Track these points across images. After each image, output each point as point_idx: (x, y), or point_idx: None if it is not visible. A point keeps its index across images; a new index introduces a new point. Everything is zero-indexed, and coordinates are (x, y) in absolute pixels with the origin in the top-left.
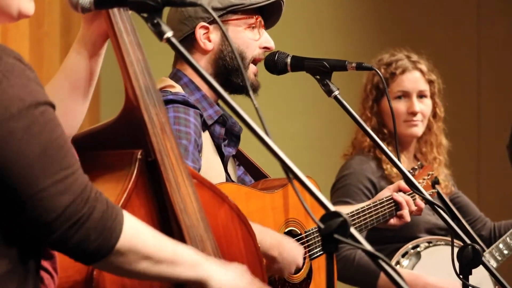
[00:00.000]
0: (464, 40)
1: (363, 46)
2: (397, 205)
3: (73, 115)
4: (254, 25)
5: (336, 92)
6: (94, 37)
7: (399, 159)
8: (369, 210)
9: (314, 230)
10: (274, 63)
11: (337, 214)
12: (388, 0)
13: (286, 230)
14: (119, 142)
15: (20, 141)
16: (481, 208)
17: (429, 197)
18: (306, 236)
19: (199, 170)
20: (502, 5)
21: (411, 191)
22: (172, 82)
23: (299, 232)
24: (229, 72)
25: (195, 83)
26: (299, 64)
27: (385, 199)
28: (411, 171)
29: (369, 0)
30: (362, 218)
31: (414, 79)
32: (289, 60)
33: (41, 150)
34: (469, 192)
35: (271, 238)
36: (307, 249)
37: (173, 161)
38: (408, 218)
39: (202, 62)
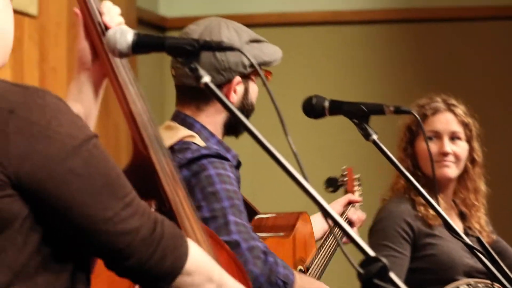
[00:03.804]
0: (504, 87)
1: (400, 91)
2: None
3: None
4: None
5: (374, 136)
6: (92, 81)
7: (437, 201)
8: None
9: (314, 266)
10: (312, 107)
11: (376, 259)
12: (425, 45)
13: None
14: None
15: (82, 176)
16: None
17: (469, 242)
18: (308, 272)
19: (251, 228)
20: None
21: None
22: (188, 131)
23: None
24: (238, 122)
25: (208, 129)
26: (337, 108)
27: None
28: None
29: (407, 44)
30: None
31: (446, 121)
32: (327, 104)
33: (104, 180)
34: (509, 239)
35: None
36: None
37: (186, 210)
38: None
39: (224, 113)
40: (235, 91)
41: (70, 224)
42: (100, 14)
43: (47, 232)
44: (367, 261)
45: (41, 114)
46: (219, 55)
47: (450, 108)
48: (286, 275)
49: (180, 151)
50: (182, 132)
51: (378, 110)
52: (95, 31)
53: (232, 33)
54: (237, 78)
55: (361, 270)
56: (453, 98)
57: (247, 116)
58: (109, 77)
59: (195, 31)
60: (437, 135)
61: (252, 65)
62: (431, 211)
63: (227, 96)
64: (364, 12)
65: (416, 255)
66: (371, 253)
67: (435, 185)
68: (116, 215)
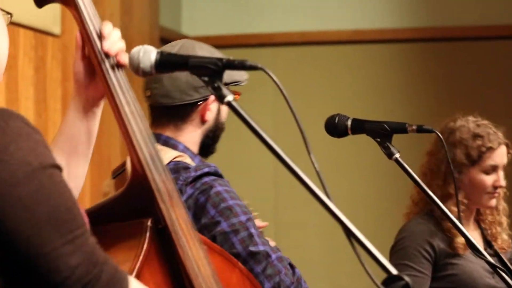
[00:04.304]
0: None
1: (422, 110)
2: None
3: (74, 179)
4: None
5: (397, 155)
6: (91, 101)
7: (460, 222)
8: None
9: None
10: (335, 126)
11: (399, 278)
12: (448, 63)
13: None
14: (129, 213)
15: (27, 207)
16: None
17: (492, 261)
18: None
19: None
20: None
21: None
22: (176, 152)
23: None
24: (213, 140)
25: (190, 149)
26: (360, 126)
27: None
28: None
29: (430, 63)
30: None
31: (502, 154)
32: (349, 123)
33: (50, 214)
34: None
35: None
36: None
37: (183, 227)
38: None
39: (200, 130)
40: (209, 109)
41: (7, 252)
42: (100, 36)
43: None
44: (390, 279)
45: (0, 136)
46: None
47: (504, 140)
48: None
49: (177, 171)
50: (171, 153)
51: (401, 129)
52: (94, 53)
53: (206, 54)
54: (212, 97)
55: None
56: (487, 120)
57: (219, 135)
58: (107, 97)
59: (170, 51)
60: (495, 168)
61: (226, 84)
62: (459, 240)
63: (204, 114)
64: (386, 31)
65: (437, 275)
66: (394, 271)
67: (458, 208)
68: (54, 251)
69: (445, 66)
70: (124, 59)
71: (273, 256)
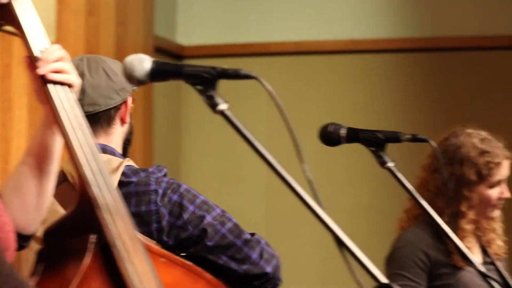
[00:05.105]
0: None
1: (418, 120)
2: None
3: (44, 196)
4: None
5: (390, 164)
6: (51, 118)
7: (457, 233)
8: None
9: None
10: (329, 135)
11: (388, 286)
12: (444, 74)
13: None
14: (81, 228)
15: None
16: None
17: (484, 270)
18: None
19: None
20: None
21: None
22: (118, 158)
23: None
24: (129, 142)
25: (120, 154)
26: (354, 135)
27: None
28: None
29: (425, 73)
30: None
31: (507, 167)
32: (343, 131)
33: None
34: None
35: None
36: None
37: (126, 241)
38: None
39: (122, 133)
40: (128, 111)
41: None
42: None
43: None
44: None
45: None
46: (113, 75)
47: (509, 153)
48: None
49: (136, 173)
50: (117, 159)
51: (395, 138)
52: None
53: (116, 65)
54: (130, 98)
55: None
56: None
57: (132, 137)
58: (51, 115)
59: (79, 65)
60: (500, 182)
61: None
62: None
63: (124, 116)
64: (382, 41)
65: (433, 285)
66: (384, 280)
67: (454, 217)
68: None
69: (441, 77)
70: (61, 78)
71: (262, 241)
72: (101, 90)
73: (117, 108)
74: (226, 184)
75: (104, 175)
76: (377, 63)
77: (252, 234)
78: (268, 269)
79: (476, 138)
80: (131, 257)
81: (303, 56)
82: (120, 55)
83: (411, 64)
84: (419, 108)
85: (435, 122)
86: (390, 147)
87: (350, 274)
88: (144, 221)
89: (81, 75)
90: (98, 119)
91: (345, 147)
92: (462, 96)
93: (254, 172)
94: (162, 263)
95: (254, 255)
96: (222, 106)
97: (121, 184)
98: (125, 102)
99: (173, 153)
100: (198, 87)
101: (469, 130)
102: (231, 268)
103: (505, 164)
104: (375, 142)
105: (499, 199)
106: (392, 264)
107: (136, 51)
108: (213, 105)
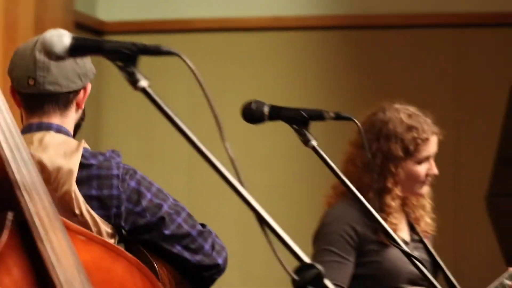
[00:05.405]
0: (444, 92)
1: (343, 97)
2: None
3: None
4: None
5: (314, 142)
6: None
7: (379, 212)
8: None
9: None
10: (252, 112)
11: (311, 266)
12: (367, 51)
13: None
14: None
15: None
16: (458, 260)
17: (407, 249)
18: None
19: None
20: (480, 59)
21: None
22: (74, 140)
23: None
24: (78, 128)
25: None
26: (277, 113)
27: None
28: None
29: (349, 51)
30: None
31: (435, 143)
32: (266, 109)
33: None
34: (446, 246)
35: None
36: None
37: (43, 219)
38: None
39: (75, 118)
40: (86, 97)
41: None
42: None
43: None
44: (302, 267)
45: None
46: (79, 60)
47: (436, 129)
48: None
49: (94, 156)
50: (74, 141)
51: (318, 116)
52: None
53: None
54: (89, 85)
55: (295, 277)
56: (417, 108)
57: (82, 123)
58: None
59: (26, 47)
60: (427, 158)
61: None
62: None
63: (81, 102)
64: (308, 18)
65: (360, 261)
66: (306, 259)
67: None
68: None
69: (368, 55)
70: None
71: (213, 232)
72: (65, 71)
73: (76, 92)
74: (147, 162)
75: (21, 151)
76: (303, 40)
77: (203, 225)
78: (220, 260)
79: (403, 114)
80: (49, 235)
81: (227, 33)
82: (39, 31)
83: (338, 41)
84: (346, 86)
85: (362, 101)
86: (314, 125)
87: (272, 253)
88: (104, 205)
89: None
90: (56, 99)
91: (268, 125)
92: (389, 74)
93: (175, 150)
94: (81, 241)
95: (207, 246)
96: (143, 83)
97: (81, 165)
98: (84, 88)
99: (93, 130)
100: (119, 63)
101: (397, 106)
102: (184, 258)
103: (433, 140)
104: (298, 120)
105: (427, 175)
106: (320, 241)
107: (55, 26)
108: (133, 82)
